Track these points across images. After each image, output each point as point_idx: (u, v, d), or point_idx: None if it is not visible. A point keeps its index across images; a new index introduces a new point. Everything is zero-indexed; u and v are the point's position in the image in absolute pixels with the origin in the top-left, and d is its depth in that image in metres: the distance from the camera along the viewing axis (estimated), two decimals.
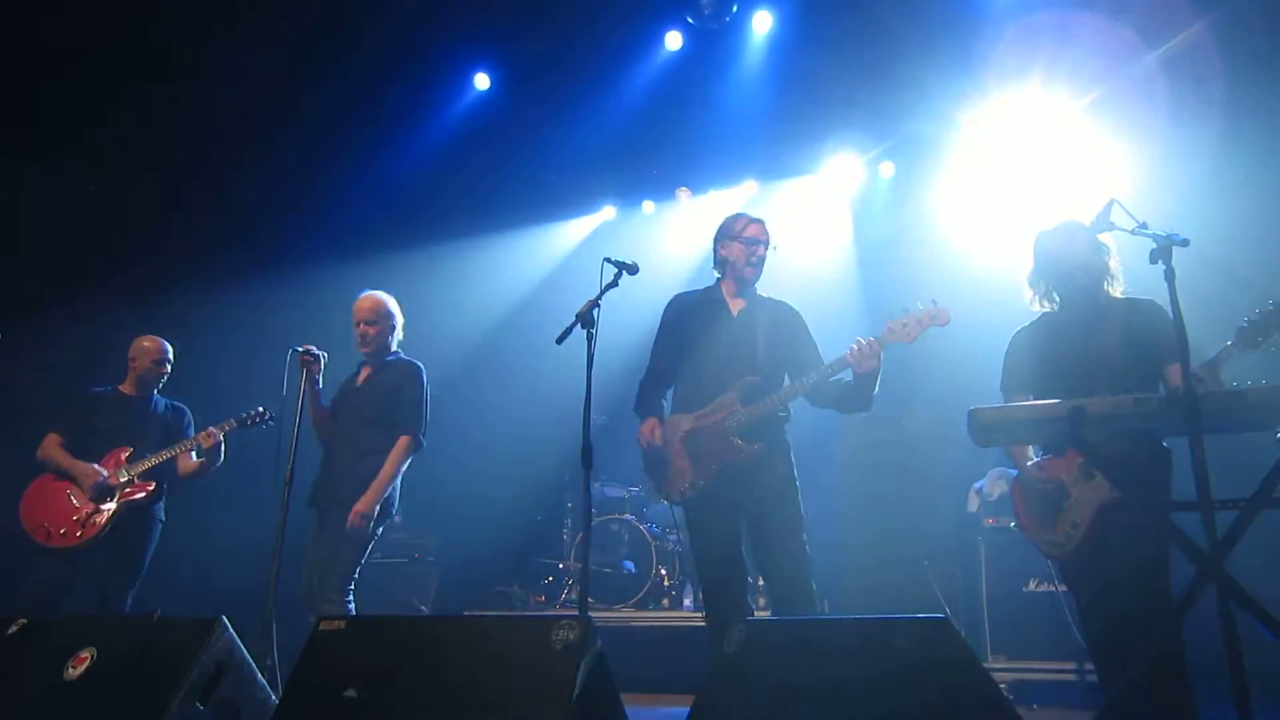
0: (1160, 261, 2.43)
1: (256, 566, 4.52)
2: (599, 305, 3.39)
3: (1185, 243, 2.44)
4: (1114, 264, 3.19)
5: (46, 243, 6.14)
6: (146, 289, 6.26)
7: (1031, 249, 3.34)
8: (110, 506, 4.54)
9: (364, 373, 4.40)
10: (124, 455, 4.67)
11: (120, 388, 4.88)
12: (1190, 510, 2.29)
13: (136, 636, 2.77)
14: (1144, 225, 2.59)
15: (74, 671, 2.74)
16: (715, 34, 6.35)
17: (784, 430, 3.68)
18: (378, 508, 4.04)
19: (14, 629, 3.02)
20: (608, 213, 7.99)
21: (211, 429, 4.66)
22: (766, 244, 3.81)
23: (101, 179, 6.49)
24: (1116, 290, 3.20)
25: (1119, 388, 2.89)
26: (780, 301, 3.94)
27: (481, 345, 7.54)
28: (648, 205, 7.91)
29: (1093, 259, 3.15)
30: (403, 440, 4.15)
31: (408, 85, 6.58)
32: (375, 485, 4.03)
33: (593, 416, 3.32)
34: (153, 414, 4.85)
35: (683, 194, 7.70)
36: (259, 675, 2.75)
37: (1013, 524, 4.91)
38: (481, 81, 6.86)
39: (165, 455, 4.65)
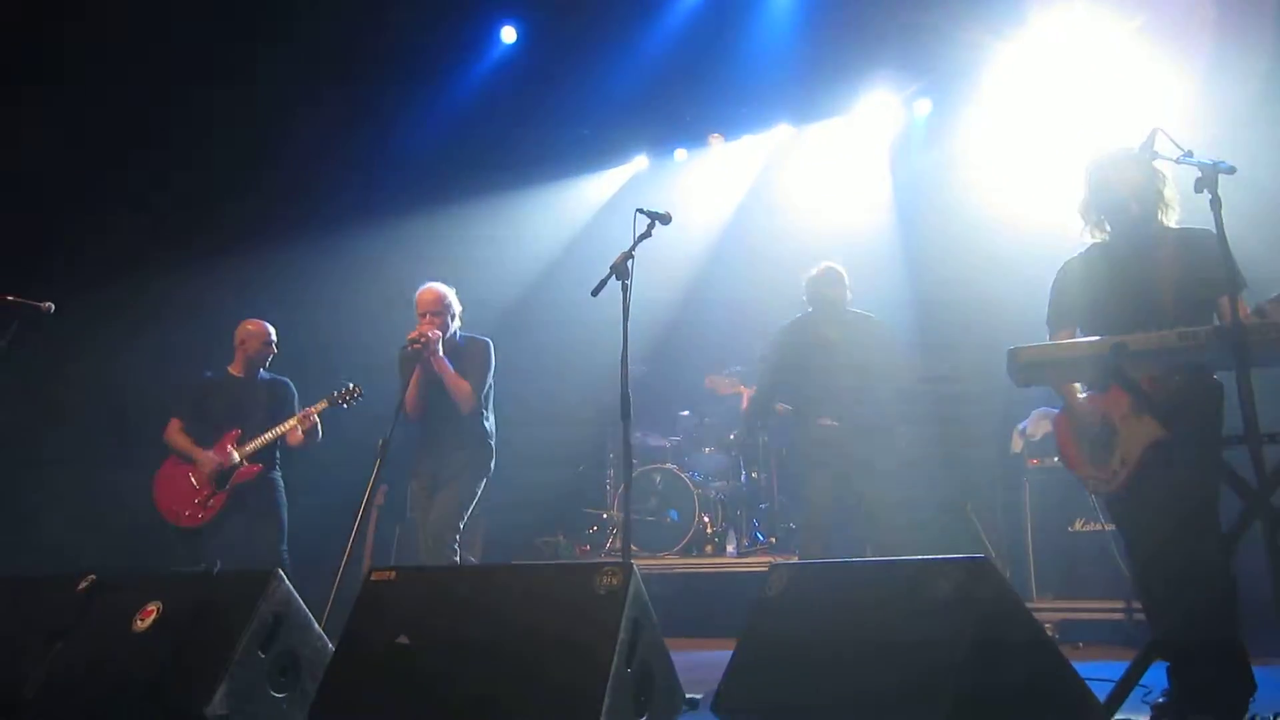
0: (1205, 190, 2.36)
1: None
2: (633, 257, 3.38)
3: (1232, 170, 2.37)
4: (1169, 193, 3.08)
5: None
6: (188, 263, 6.37)
7: (1083, 177, 3.24)
8: (227, 488, 4.87)
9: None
10: (234, 437, 4.93)
11: (230, 369, 5.12)
12: (1238, 445, 2.26)
13: (200, 590, 2.88)
14: (1189, 154, 2.51)
15: (142, 624, 2.86)
16: None
17: None
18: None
19: (84, 584, 3.16)
20: (640, 163, 7.92)
21: (307, 409, 4.97)
22: None
23: (136, 146, 6.56)
24: (1171, 220, 3.10)
25: (1171, 321, 2.82)
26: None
27: (519, 299, 7.57)
28: (680, 153, 7.83)
29: (1146, 188, 3.05)
30: (465, 387, 4.49)
31: (435, 41, 6.54)
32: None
33: (631, 367, 3.34)
34: (259, 393, 5.09)
35: (715, 140, 7.60)
36: (315, 624, 2.84)
37: (1056, 459, 4.87)
38: (508, 35, 6.80)
39: (271, 436, 4.94)
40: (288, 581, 2.82)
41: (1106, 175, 3.08)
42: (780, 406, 5.46)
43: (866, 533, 4.89)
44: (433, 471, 4.56)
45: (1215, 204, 2.34)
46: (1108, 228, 3.16)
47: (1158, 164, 2.90)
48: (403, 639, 2.38)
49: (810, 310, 4.98)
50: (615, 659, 2.08)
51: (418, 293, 4.62)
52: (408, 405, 4.46)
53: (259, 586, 2.75)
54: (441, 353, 4.44)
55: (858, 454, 4.72)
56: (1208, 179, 2.36)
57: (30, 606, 3.13)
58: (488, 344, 4.69)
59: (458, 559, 4.42)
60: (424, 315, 4.54)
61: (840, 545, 4.92)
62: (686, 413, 7.02)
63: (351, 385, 4.96)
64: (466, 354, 4.62)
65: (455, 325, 4.66)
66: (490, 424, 4.69)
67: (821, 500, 4.82)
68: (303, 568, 4.34)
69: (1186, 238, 3.02)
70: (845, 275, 4.95)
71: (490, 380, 4.66)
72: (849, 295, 4.95)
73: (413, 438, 4.69)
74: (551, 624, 2.23)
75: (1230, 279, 2.32)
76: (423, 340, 4.36)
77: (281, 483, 5.07)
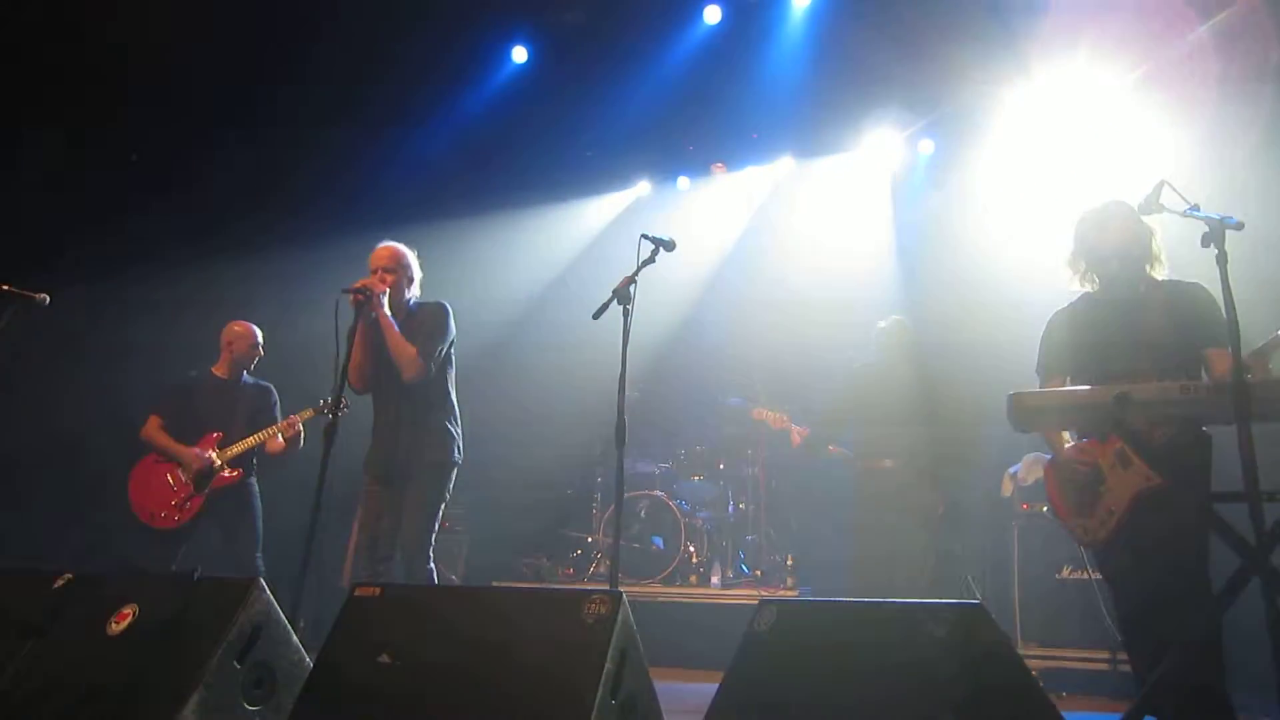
0: (1212, 245, 2.36)
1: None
2: (636, 282, 3.37)
3: (1239, 226, 2.38)
4: (1156, 246, 3.13)
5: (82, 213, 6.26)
6: (183, 265, 6.35)
7: (1072, 230, 3.29)
8: (205, 491, 4.79)
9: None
10: (216, 440, 4.87)
11: (213, 370, 5.06)
12: (1237, 501, 2.24)
13: (178, 595, 2.82)
14: (1195, 207, 2.52)
15: (117, 627, 2.79)
16: (754, 7, 6.28)
17: None
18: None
19: (60, 583, 3.10)
20: (642, 188, 7.95)
21: (292, 417, 4.90)
22: None
23: (137, 150, 6.57)
24: (1159, 273, 3.14)
25: (1160, 372, 2.84)
26: None
27: (516, 319, 7.56)
28: (683, 181, 7.87)
29: (1131, 242, 3.09)
30: (410, 350, 3.88)
31: (446, 59, 6.56)
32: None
33: (626, 391, 3.32)
34: (242, 396, 5.03)
35: (718, 170, 7.63)
36: (294, 638, 2.79)
37: (1045, 508, 4.88)
38: (519, 55, 6.83)
39: (252, 442, 4.86)
40: (268, 592, 2.77)
41: (1093, 229, 3.13)
42: (833, 448, 5.64)
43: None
44: (385, 461, 3.95)
45: (1222, 259, 2.35)
46: (1095, 279, 3.19)
47: (1153, 218, 2.92)
48: (384, 658, 2.33)
49: (878, 357, 5.23)
50: (600, 689, 2.04)
51: (373, 250, 4.11)
52: (351, 373, 3.82)
53: (239, 595, 2.69)
54: (389, 312, 3.87)
55: (915, 498, 4.89)
56: (1215, 234, 2.37)
57: (4, 599, 3.06)
58: (442, 306, 4.09)
59: (435, 576, 3.93)
60: (375, 271, 4.00)
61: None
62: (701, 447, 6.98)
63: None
64: (417, 319, 4.02)
65: (413, 292, 4.11)
66: (453, 402, 4.10)
67: (869, 536, 4.98)
68: (275, 577, 4.25)
69: (1173, 291, 3.05)
70: (909, 329, 5.24)
71: (447, 350, 4.05)
72: (916, 347, 5.22)
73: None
74: (538, 651, 2.19)
75: (1233, 332, 2.31)
76: (366, 292, 3.76)
77: (257, 489, 4.99)
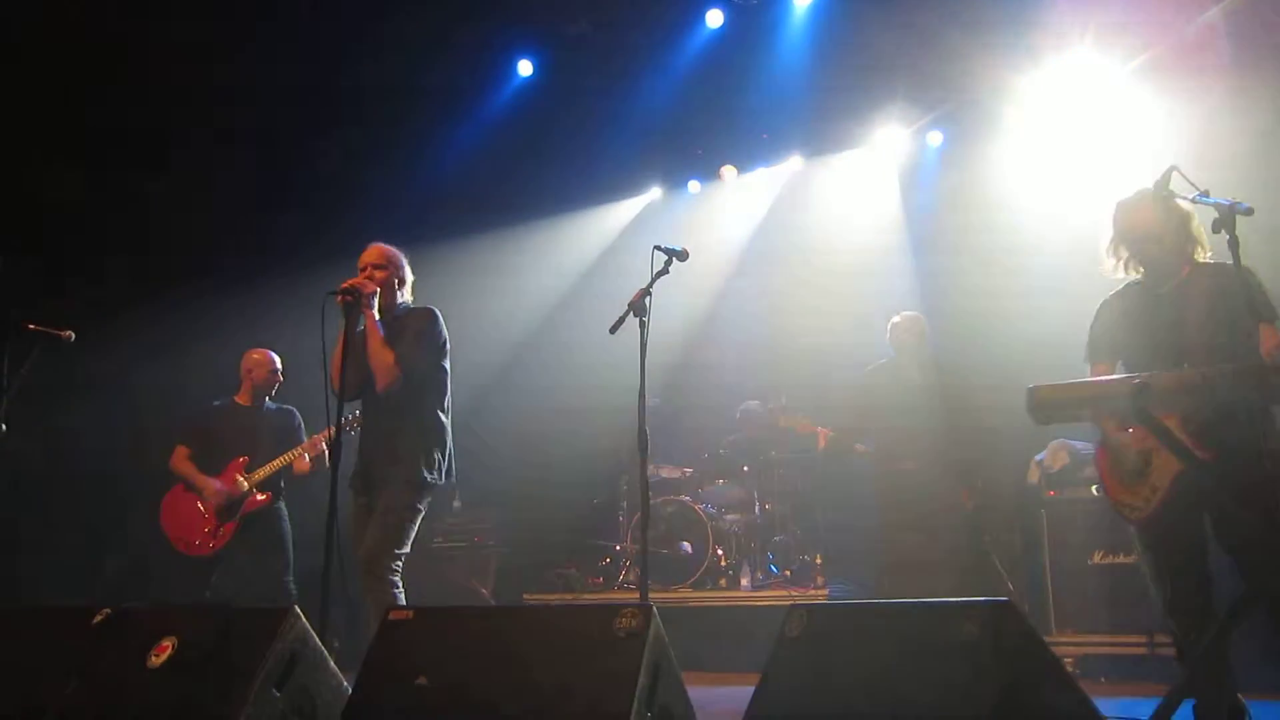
0: (1223, 230, 2.36)
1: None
2: (650, 294, 3.39)
3: (1250, 211, 2.37)
4: (1195, 228, 3.13)
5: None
6: (205, 291, 6.42)
7: (1110, 217, 3.30)
8: (237, 517, 4.87)
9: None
10: (242, 465, 4.94)
11: (236, 399, 5.15)
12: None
13: (215, 625, 2.86)
14: (1204, 194, 2.52)
15: (157, 660, 2.83)
16: (756, 8, 6.29)
17: None
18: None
19: (99, 618, 3.15)
20: (654, 194, 7.97)
21: (315, 437, 4.94)
22: None
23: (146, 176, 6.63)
24: (1203, 255, 3.14)
25: (1203, 356, 2.86)
26: None
27: (535, 330, 7.61)
28: (693, 185, 7.88)
29: (1165, 228, 3.10)
30: (388, 356, 3.64)
31: (452, 73, 6.60)
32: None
33: (647, 399, 3.34)
34: (265, 421, 5.11)
35: (727, 172, 7.64)
36: (331, 663, 2.82)
37: (1095, 488, 4.83)
38: (525, 68, 6.87)
39: (279, 464, 4.93)
40: (304, 618, 2.81)
41: (1126, 216, 3.14)
42: (859, 447, 5.70)
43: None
44: (362, 474, 3.73)
45: (1233, 244, 2.35)
46: (1139, 267, 3.21)
47: (1184, 202, 2.92)
48: (421, 680, 2.36)
49: (895, 355, 5.25)
50: (635, 703, 2.06)
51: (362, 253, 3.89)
52: (334, 381, 3.60)
53: (275, 623, 2.73)
54: (376, 312, 3.64)
55: (941, 498, 4.93)
56: (1225, 219, 2.36)
57: (46, 639, 3.11)
58: (431, 311, 3.81)
59: (400, 596, 3.56)
60: (364, 269, 3.77)
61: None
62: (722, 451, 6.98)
63: (357, 413, 4.29)
64: (402, 322, 3.76)
65: (405, 295, 3.88)
66: (441, 419, 3.79)
67: (900, 538, 5.02)
68: (307, 599, 4.28)
69: (1218, 272, 3.04)
70: (925, 322, 5.27)
71: (435, 360, 3.78)
72: (929, 341, 5.26)
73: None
74: (571, 667, 2.21)
75: (1255, 310, 2.31)
76: (355, 292, 3.53)
77: (286, 513, 5.06)
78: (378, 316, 3.69)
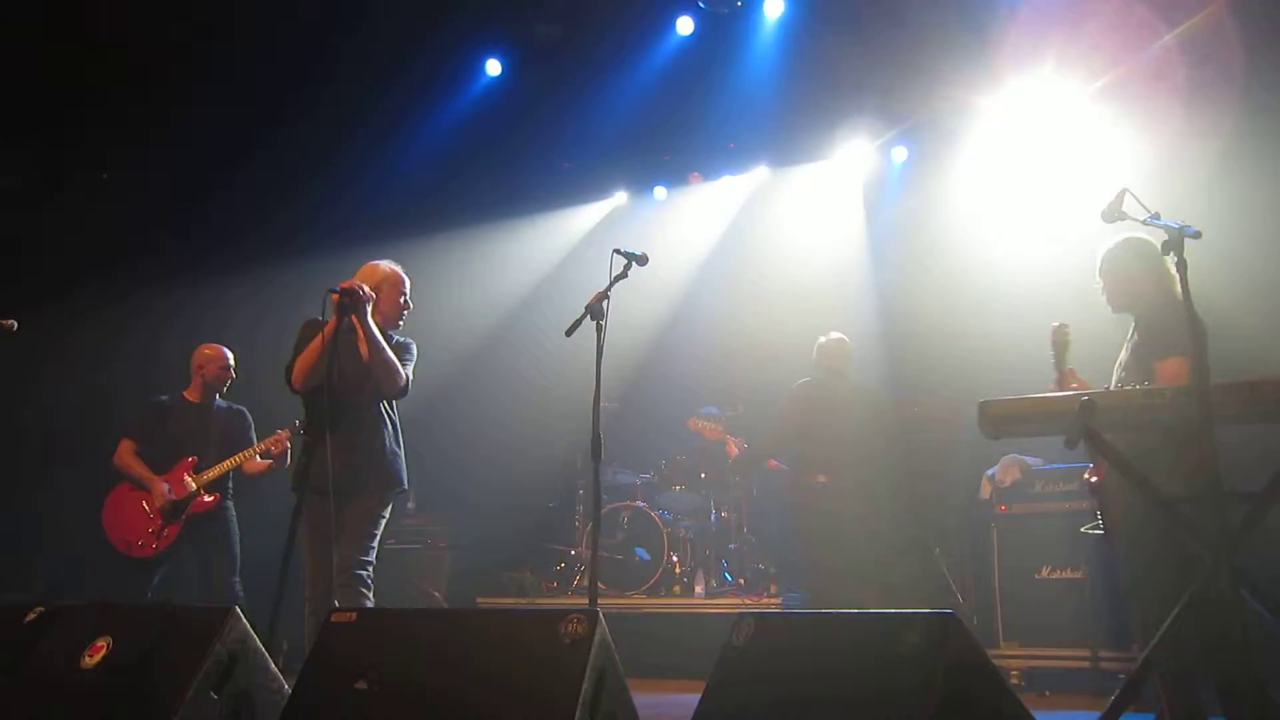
0: (1172, 253, 2.40)
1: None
2: (608, 297, 3.38)
3: (1197, 235, 2.42)
4: (1167, 267, 3.17)
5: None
6: (153, 282, 6.30)
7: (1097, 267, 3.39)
8: (182, 518, 4.73)
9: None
10: (190, 465, 4.81)
11: (185, 394, 5.00)
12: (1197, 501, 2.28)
13: (153, 625, 2.80)
14: (1156, 216, 2.57)
15: (90, 660, 2.76)
16: (727, 18, 6.31)
17: None
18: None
19: (32, 616, 3.06)
20: (619, 199, 7.96)
21: (280, 433, 4.74)
22: None
23: (111, 168, 6.52)
24: (1178, 289, 3.23)
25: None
26: None
27: (493, 331, 7.56)
28: (660, 191, 7.89)
29: (1134, 289, 3.22)
30: (395, 362, 3.70)
31: (418, 72, 6.55)
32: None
33: (603, 403, 3.33)
34: (216, 419, 4.97)
35: (695, 179, 7.66)
36: (271, 665, 2.77)
37: (1023, 506, 5.04)
38: (493, 68, 6.83)
39: (229, 465, 4.79)
40: (245, 619, 2.75)
41: (1103, 278, 3.28)
42: (772, 462, 5.85)
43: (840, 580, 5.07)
44: (338, 478, 3.56)
45: (1181, 266, 2.40)
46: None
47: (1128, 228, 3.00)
48: (361, 684, 2.32)
49: (820, 375, 5.35)
50: (578, 710, 2.04)
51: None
52: (297, 369, 3.63)
53: (215, 624, 2.67)
54: (372, 321, 3.63)
55: (847, 510, 5.06)
56: (1174, 242, 2.41)
57: None
58: (410, 344, 3.92)
59: (370, 600, 3.61)
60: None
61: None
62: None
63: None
64: (393, 348, 3.79)
65: (399, 324, 3.91)
66: (397, 422, 3.88)
67: (819, 552, 5.19)
68: (254, 601, 4.20)
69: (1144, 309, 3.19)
70: (851, 346, 5.40)
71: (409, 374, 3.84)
72: (853, 365, 5.41)
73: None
74: (514, 672, 2.19)
75: (1196, 338, 2.35)
76: (353, 293, 3.53)
77: (234, 513, 4.95)
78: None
